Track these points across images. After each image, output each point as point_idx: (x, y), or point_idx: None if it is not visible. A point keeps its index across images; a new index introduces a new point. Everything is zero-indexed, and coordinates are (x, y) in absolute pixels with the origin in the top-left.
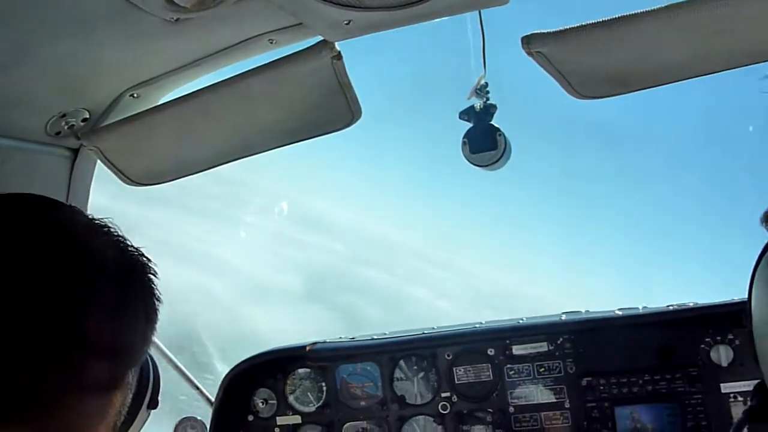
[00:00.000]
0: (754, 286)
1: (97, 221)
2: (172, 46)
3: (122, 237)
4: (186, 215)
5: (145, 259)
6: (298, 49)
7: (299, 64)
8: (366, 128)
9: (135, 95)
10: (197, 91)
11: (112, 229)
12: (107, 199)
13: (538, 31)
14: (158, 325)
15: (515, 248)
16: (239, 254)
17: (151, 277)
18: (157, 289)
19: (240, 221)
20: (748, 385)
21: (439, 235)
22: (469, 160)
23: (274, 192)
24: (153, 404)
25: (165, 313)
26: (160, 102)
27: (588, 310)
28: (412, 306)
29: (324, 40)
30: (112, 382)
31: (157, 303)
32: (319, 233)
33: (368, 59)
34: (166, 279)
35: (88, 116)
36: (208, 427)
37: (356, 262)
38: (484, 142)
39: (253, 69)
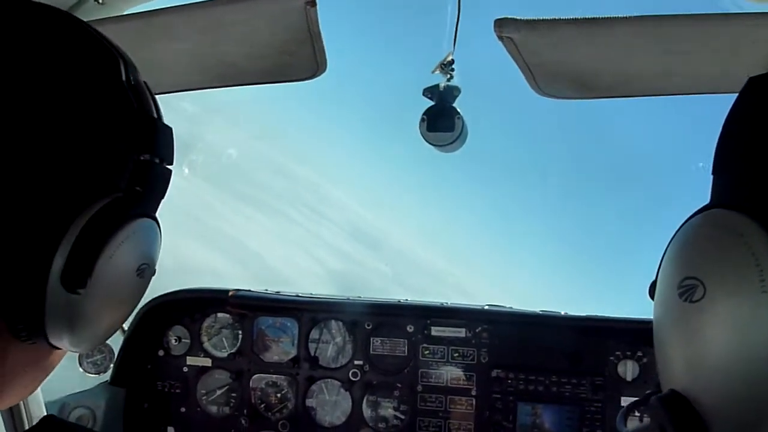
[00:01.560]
0: (655, 293)
1: None
2: None
3: None
4: (232, 199)
5: None
6: None
7: (273, 2)
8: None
9: (100, 1)
10: (165, 8)
11: None
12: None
13: (512, 17)
14: None
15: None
16: (269, 247)
17: None
18: None
19: (286, 217)
20: None
21: (375, 201)
22: (424, 138)
23: (339, 201)
24: None
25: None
26: (125, 13)
27: (512, 307)
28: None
29: None
30: None
31: None
32: (367, 250)
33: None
34: (183, 254)
35: None
36: (116, 353)
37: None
38: (442, 122)
39: None
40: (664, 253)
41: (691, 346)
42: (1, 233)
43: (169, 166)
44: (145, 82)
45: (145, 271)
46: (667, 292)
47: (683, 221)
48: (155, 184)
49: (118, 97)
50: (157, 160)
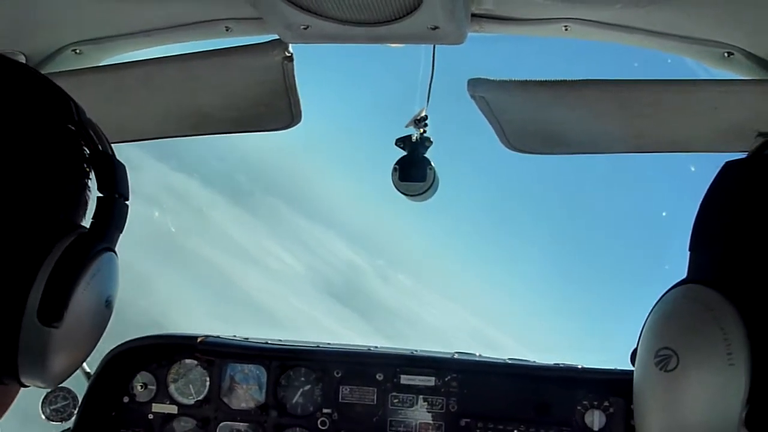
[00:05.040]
0: (636, 360)
1: None
2: (127, 10)
3: None
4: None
5: None
6: (252, 43)
7: (250, 57)
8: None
9: (78, 51)
10: (143, 60)
11: None
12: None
13: (485, 77)
14: None
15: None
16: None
17: None
18: None
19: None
20: None
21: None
22: (396, 187)
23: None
24: None
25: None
26: (102, 63)
27: (481, 354)
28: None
29: (279, 40)
30: None
31: None
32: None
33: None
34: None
35: (24, 62)
36: (80, 399)
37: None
38: (414, 172)
39: (203, 51)
40: (645, 322)
41: (666, 413)
42: None
43: (126, 202)
44: (93, 122)
45: (112, 303)
46: (646, 360)
47: (662, 293)
48: (116, 218)
49: (75, 137)
50: (116, 196)
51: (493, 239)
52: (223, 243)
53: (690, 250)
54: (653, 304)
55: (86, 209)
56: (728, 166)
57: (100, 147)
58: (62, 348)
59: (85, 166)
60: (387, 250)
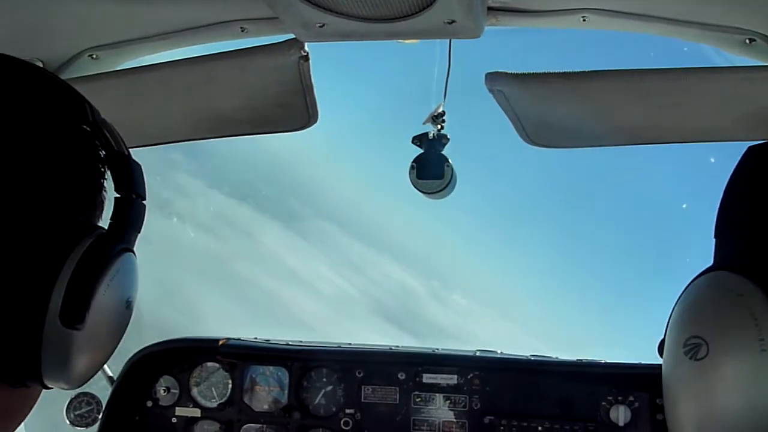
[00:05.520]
0: (664, 351)
1: None
2: (141, 14)
3: None
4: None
5: None
6: (267, 43)
7: (266, 57)
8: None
9: (94, 56)
10: (159, 63)
11: None
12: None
13: (503, 71)
14: None
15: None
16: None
17: None
18: None
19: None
20: None
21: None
22: (414, 185)
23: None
24: None
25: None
26: (119, 68)
27: (502, 352)
28: None
29: (295, 39)
30: None
31: None
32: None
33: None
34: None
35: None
36: (104, 404)
37: None
38: (432, 169)
39: (219, 53)
40: (672, 312)
41: (697, 402)
42: None
43: (143, 201)
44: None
45: (131, 303)
46: (674, 350)
47: (689, 281)
48: (134, 219)
49: (90, 137)
50: (133, 196)
51: (510, 239)
52: (275, 267)
53: (715, 237)
54: (679, 294)
55: (103, 210)
56: (751, 151)
57: (115, 147)
58: (84, 349)
59: (101, 167)
60: (441, 271)
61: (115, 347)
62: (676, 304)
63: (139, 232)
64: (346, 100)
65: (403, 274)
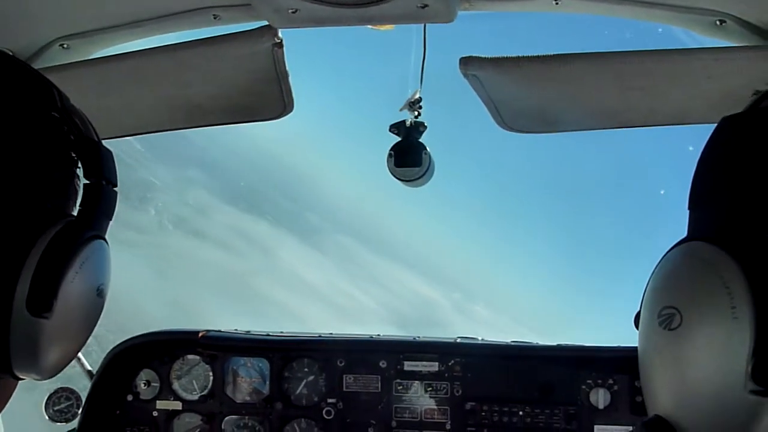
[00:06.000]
0: (639, 323)
1: None
2: (113, 1)
3: None
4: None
5: None
6: (241, 30)
7: (240, 44)
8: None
9: (65, 45)
10: (131, 52)
11: None
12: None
13: (477, 55)
14: None
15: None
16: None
17: None
18: None
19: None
20: (618, 430)
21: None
22: (392, 173)
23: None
24: None
25: None
26: (91, 57)
27: (483, 339)
28: None
29: (268, 25)
30: None
31: None
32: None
33: (309, 55)
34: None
35: None
36: (83, 399)
37: None
38: (409, 157)
39: (191, 41)
40: (647, 284)
41: (672, 371)
42: None
43: (114, 188)
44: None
45: (103, 291)
46: (649, 321)
47: (663, 253)
48: (104, 206)
49: (59, 123)
50: (103, 182)
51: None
52: (293, 282)
53: (689, 209)
54: (654, 266)
55: (77, 199)
56: (725, 121)
57: (84, 133)
58: (54, 339)
59: (72, 154)
60: (462, 282)
61: (88, 336)
62: (651, 276)
63: (110, 219)
64: (324, 93)
65: (424, 287)
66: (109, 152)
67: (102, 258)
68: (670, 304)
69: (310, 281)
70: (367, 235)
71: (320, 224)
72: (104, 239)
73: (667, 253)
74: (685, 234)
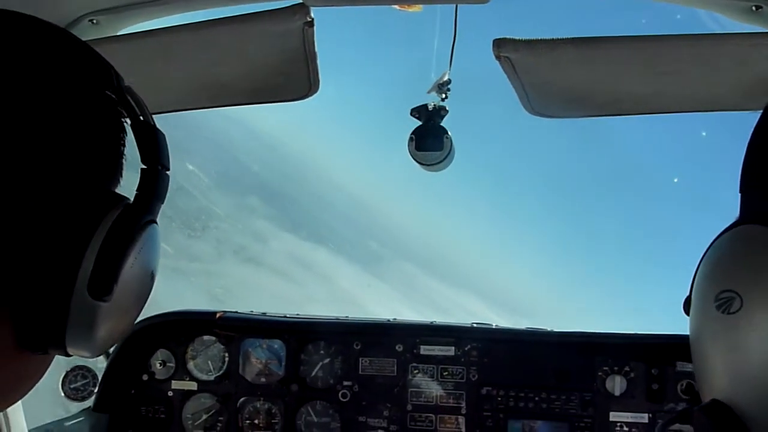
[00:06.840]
0: (691, 307)
1: None
2: None
3: None
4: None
5: None
6: (272, 8)
7: (271, 22)
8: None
9: (94, 21)
10: (160, 29)
11: None
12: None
13: (511, 37)
14: None
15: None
16: None
17: None
18: None
19: None
20: (634, 417)
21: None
22: (413, 157)
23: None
24: None
25: None
26: (119, 33)
27: (497, 325)
28: None
29: (301, 3)
30: None
31: None
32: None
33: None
34: None
35: None
36: (99, 378)
37: None
38: (430, 141)
39: (222, 18)
40: (697, 269)
41: (731, 355)
42: (22, 246)
43: (167, 172)
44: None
45: (155, 274)
46: (704, 306)
47: (714, 238)
48: (159, 190)
49: (119, 107)
50: (159, 167)
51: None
52: (354, 311)
53: (741, 192)
54: (705, 250)
55: (120, 179)
56: None
57: (141, 117)
58: (109, 320)
59: (122, 135)
60: (529, 308)
61: (136, 318)
62: (701, 260)
63: (162, 202)
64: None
65: (489, 314)
66: (164, 136)
67: (156, 242)
68: (728, 287)
69: (372, 310)
70: (430, 259)
71: (381, 251)
72: (157, 223)
73: (720, 236)
74: (705, 222)
